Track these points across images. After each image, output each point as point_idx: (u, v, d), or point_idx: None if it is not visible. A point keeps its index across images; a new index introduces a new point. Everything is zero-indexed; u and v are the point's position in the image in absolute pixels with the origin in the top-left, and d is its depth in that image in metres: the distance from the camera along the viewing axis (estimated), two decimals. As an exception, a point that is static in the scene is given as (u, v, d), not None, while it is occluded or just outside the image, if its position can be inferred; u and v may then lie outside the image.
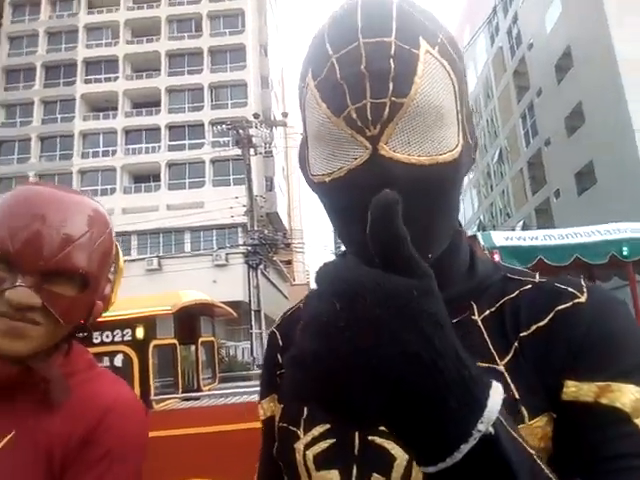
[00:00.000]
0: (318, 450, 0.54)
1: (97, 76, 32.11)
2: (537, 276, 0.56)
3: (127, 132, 31.25)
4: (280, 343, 0.67)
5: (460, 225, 0.59)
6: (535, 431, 0.47)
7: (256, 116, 18.67)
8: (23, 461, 0.67)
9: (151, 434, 3.25)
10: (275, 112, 31.85)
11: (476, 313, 0.54)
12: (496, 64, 31.10)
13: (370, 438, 0.52)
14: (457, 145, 0.51)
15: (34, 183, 0.77)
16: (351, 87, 0.47)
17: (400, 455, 0.50)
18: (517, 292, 0.54)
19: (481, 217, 36.53)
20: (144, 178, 30.38)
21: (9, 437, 0.68)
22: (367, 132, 0.48)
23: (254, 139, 17.46)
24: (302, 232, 28.12)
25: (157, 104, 31.28)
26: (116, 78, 31.73)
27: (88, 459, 0.69)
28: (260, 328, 14.96)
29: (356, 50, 0.47)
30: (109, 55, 32.04)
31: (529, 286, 0.54)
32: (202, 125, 30.05)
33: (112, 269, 0.83)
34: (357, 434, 0.53)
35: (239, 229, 24.63)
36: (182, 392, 4.45)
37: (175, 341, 4.45)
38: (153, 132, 30.81)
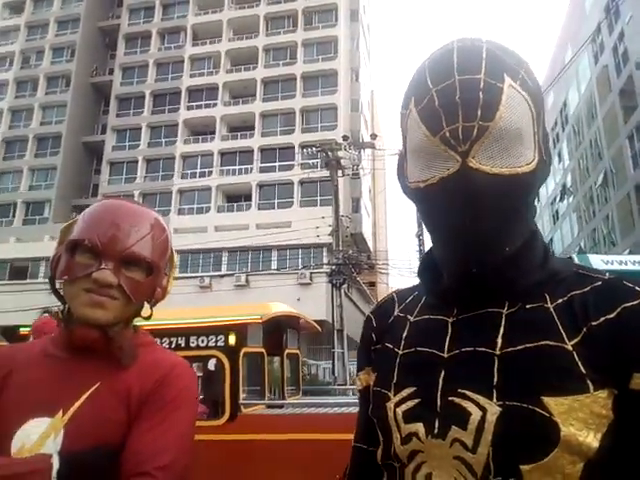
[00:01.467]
0: (405, 408, 0.66)
1: (198, 102, 34.39)
2: (607, 275, 0.65)
3: (222, 154, 33.03)
4: (374, 324, 0.81)
5: (535, 226, 0.70)
6: (598, 400, 0.56)
7: (345, 138, 19.01)
8: (108, 403, 0.88)
9: (237, 436, 3.40)
10: (364, 134, 32.22)
11: (549, 302, 0.63)
12: (600, 83, 29.33)
13: (450, 399, 0.62)
14: (533, 160, 0.64)
15: (112, 197, 1.06)
16: (446, 113, 0.62)
17: (475, 411, 0.60)
18: (588, 287, 0.63)
19: (582, 244, 34.14)
20: (236, 198, 31.88)
21: (96, 386, 0.89)
22: (458, 149, 0.62)
23: (342, 161, 17.75)
24: (387, 253, 27.90)
25: (251, 128, 32.83)
26: (215, 104, 33.79)
27: (157, 403, 0.89)
28: (342, 348, 14.94)
29: (452, 84, 0.62)
30: (210, 83, 34.26)
31: (599, 282, 0.63)
32: (292, 147, 31.06)
33: (167, 267, 1.05)
34: (439, 395, 0.63)
35: (324, 249, 24.96)
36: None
37: (263, 350, 4.61)
38: (246, 154, 32.31)
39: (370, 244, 33.97)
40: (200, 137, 33.90)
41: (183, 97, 34.42)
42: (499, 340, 0.62)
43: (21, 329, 4.24)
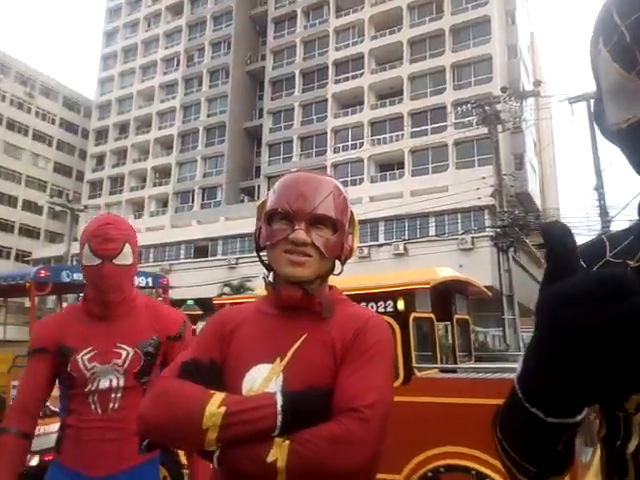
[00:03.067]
0: None
1: (345, 75, 34.67)
2: None
3: (372, 124, 32.98)
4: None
5: None
6: None
7: (504, 90, 17.51)
8: (316, 350, 1.02)
9: (411, 399, 3.28)
10: (524, 83, 29.47)
11: None
12: None
13: None
14: None
15: (295, 171, 1.16)
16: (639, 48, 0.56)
17: None
18: None
19: None
20: (389, 166, 31.71)
21: (304, 337, 1.03)
22: None
23: (502, 115, 16.41)
24: (558, 211, 25.39)
25: (400, 93, 32.16)
26: (362, 74, 33.73)
27: (358, 350, 1.00)
28: (513, 314, 14.07)
29: None
30: (355, 54, 34.24)
31: None
32: (444, 108, 29.74)
33: (350, 227, 1.14)
34: None
35: (485, 212, 23.63)
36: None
37: (432, 316, 4.46)
38: (396, 121, 31.81)
39: (538, 202, 31.28)
40: (349, 109, 34.24)
41: (330, 72, 34.98)
42: None
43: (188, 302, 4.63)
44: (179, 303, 9.73)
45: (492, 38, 29.50)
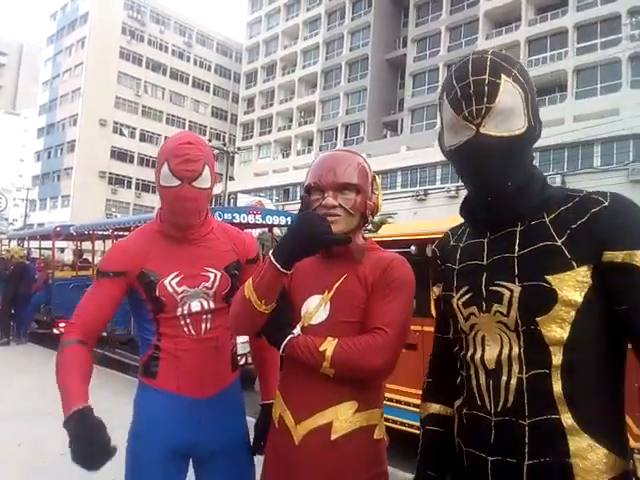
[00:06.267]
0: (463, 300, 1.06)
1: (499, -12, 31.25)
2: (584, 192, 0.99)
3: (530, 42, 29.67)
4: (438, 254, 1.22)
5: (535, 169, 1.04)
6: (579, 273, 0.92)
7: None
8: (355, 285, 1.32)
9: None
10: None
11: (546, 217, 0.99)
12: None
13: (490, 288, 1.00)
14: (523, 127, 0.98)
15: (328, 151, 1.45)
16: (465, 100, 0.98)
17: (506, 292, 0.97)
18: (570, 203, 0.98)
19: None
20: (547, 90, 28.51)
21: (345, 275, 1.33)
22: (474, 122, 0.98)
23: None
24: None
25: (564, 4, 28.24)
26: (519, -16, 30.12)
27: (383, 283, 1.30)
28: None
29: (468, 83, 0.98)
30: (511, -38, 30.50)
31: (578, 199, 0.97)
32: (618, 17, 25.52)
33: (375, 188, 1.41)
34: (483, 287, 1.01)
35: (666, 137, 20.33)
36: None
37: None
38: (559, 37, 28.18)
39: None
40: (504, 28, 31.09)
41: (481, -13, 31.80)
42: (516, 247, 0.99)
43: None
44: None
45: None
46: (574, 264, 0.92)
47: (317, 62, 41.57)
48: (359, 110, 38.45)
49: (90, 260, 10.91)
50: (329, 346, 1.22)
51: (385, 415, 1.46)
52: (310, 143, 41.66)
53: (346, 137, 39.06)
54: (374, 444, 1.30)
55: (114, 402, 3.44)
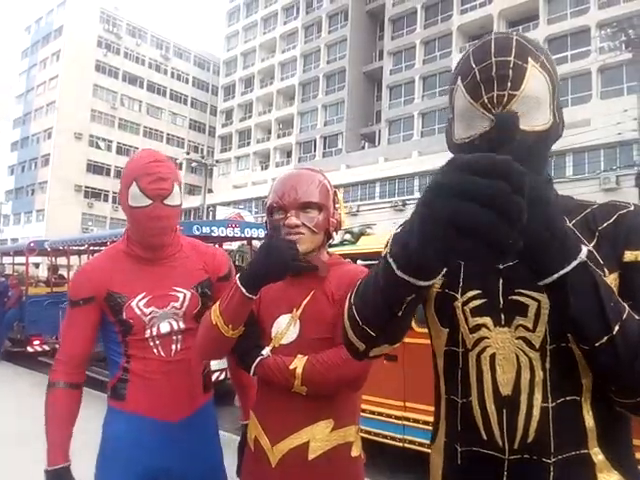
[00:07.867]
0: (472, 306, 0.86)
1: (472, 3, 31.93)
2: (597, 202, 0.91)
3: (502, 56, 30.27)
4: None
5: (550, 176, 0.92)
6: (610, 281, 0.77)
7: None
8: (322, 301, 1.32)
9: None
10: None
11: (568, 221, 0.83)
12: None
13: (510, 297, 0.83)
14: (548, 122, 0.85)
15: (289, 171, 1.43)
16: (485, 85, 0.83)
17: (532, 303, 0.82)
18: (589, 209, 0.87)
19: None
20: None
21: (313, 292, 1.33)
22: (493, 111, 0.83)
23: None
24: None
25: (535, 17, 28.98)
26: (490, 1, 30.86)
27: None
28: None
29: (490, 64, 0.83)
30: (482, -22, 31.25)
31: (596, 205, 0.88)
32: (588, 30, 26.30)
33: (336, 204, 1.42)
34: (501, 295, 0.84)
35: (634, 146, 20.93)
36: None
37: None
38: (530, 50, 28.82)
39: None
40: (477, 42, 31.63)
41: (455, 1, 32.47)
42: None
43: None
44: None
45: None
46: (606, 271, 0.80)
47: (295, 75, 41.78)
48: (337, 122, 38.69)
49: (65, 276, 10.70)
50: (299, 364, 1.22)
51: (365, 427, 1.45)
52: (289, 155, 41.72)
53: (324, 149, 39.23)
54: (352, 462, 1.29)
55: (86, 421, 3.34)
